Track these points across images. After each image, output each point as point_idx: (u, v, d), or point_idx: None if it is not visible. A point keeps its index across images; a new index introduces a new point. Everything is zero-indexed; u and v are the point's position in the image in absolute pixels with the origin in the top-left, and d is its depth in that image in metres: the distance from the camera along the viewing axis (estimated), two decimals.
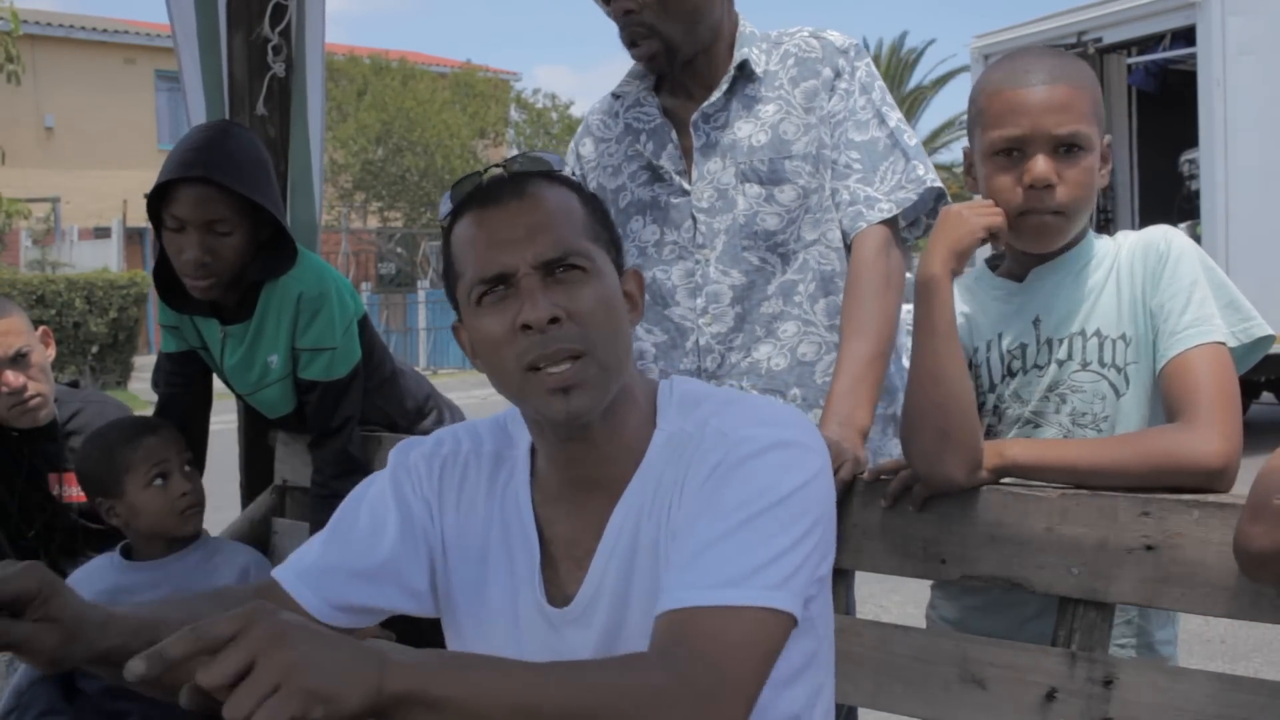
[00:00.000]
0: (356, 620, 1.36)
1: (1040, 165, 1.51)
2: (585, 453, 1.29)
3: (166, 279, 2.21)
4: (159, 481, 2.15)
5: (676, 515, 1.24)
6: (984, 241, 1.54)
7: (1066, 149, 1.51)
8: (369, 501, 1.39)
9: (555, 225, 1.23)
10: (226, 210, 2.07)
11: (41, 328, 2.58)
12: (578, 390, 1.21)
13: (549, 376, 1.20)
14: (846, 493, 1.63)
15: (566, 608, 1.30)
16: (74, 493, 2.52)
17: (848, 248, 2.01)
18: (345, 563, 1.34)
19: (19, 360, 2.45)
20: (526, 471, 1.36)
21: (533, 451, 1.37)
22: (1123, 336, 1.55)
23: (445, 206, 1.31)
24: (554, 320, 1.20)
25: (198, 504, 2.18)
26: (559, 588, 1.32)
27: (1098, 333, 1.56)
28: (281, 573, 1.36)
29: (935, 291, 1.52)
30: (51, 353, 2.59)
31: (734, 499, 1.19)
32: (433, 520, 1.37)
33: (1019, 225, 1.55)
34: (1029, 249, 1.61)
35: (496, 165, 1.32)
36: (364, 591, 1.34)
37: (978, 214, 1.53)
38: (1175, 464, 1.43)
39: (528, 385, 1.22)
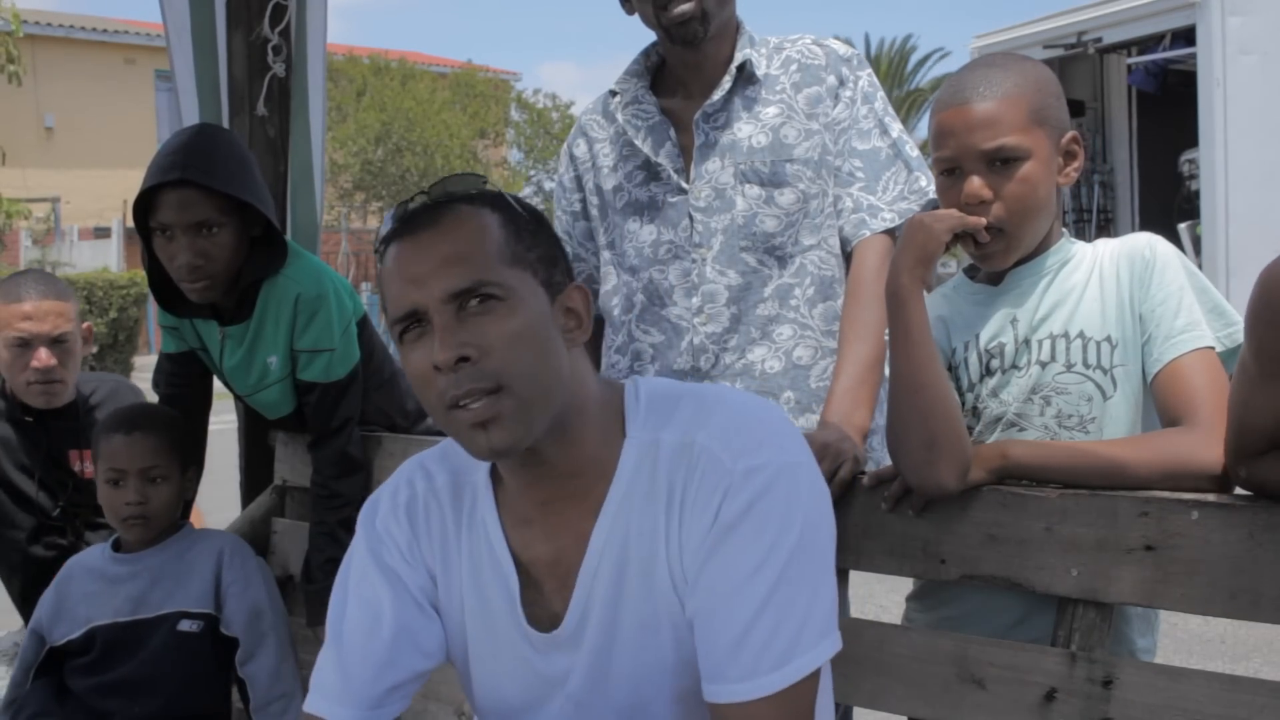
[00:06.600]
0: (399, 701, 1.35)
1: (972, 184, 1.53)
2: (544, 473, 1.27)
3: (163, 284, 2.21)
4: (112, 482, 2.16)
5: (687, 554, 1.22)
6: (949, 247, 1.55)
7: (1002, 162, 1.53)
8: (353, 591, 1.36)
9: (465, 255, 1.19)
10: (211, 210, 2.07)
11: (86, 324, 2.64)
12: (495, 425, 1.18)
13: (465, 413, 1.18)
14: (846, 492, 1.63)
15: (556, 630, 1.29)
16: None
17: (847, 255, 2.01)
18: (360, 668, 1.32)
19: (57, 343, 2.51)
20: (490, 498, 1.33)
21: (494, 474, 1.34)
22: (1108, 339, 1.55)
23: (384, 229, 1.28)
24: (464, 359, 1.17)
25: (140, 517, 2.14)
26: (545, 609, 1.30)
27: (1081, 334, 1.56)
28: (316, 707, 1.34)
29: (906, 300, 1.52)
30: (88, 349, 2.65)
31: (754, 557, 1.18)
32: (423, 572, 1.35)
33: (965, 245, 1.58)
34: (982, 267, 1.64)
35: (424, 192, 1.27)
36: (390, 676, 1.33)
37: (940, 220, 1.54)
38: (1182, 468, 1.44)
39: (451, 423, 1.21)
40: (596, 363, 2.13)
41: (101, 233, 20.56)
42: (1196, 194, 8.13)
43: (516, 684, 1.32)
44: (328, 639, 1.37)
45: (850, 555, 1.64)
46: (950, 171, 1.57)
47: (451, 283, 1.18)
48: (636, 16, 2.01)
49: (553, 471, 1.26)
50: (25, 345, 2.48)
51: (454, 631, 1.36)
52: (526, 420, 1.19)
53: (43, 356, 2.48)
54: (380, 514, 1.37)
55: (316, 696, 1.34)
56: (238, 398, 2.46)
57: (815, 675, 1.20)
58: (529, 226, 1.26)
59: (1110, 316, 1.55)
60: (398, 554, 1.35)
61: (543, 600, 1.30)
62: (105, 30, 22.45)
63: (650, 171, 2.02)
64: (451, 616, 1.35)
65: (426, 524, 1.35)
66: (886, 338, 1.73)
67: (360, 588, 1.35)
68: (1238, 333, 1.51)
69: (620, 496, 1.25)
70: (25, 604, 2.59)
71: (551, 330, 1.23)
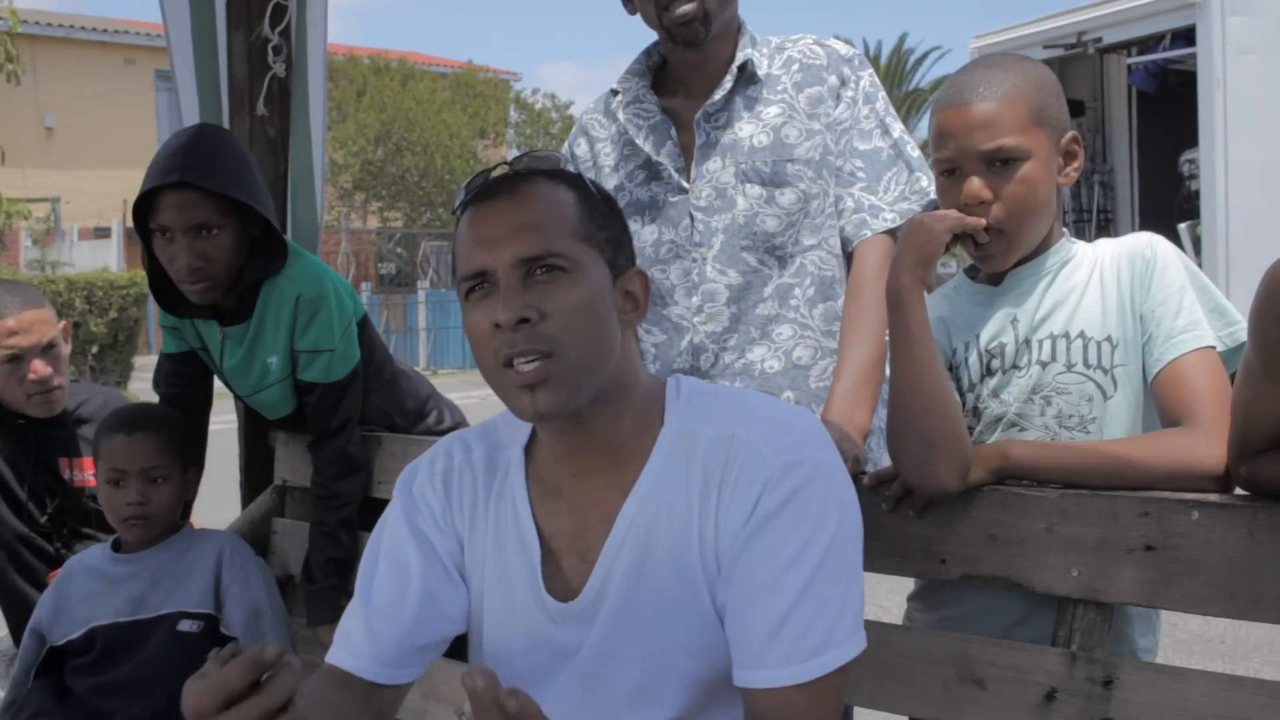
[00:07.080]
0: (419, 665, 1.37)
1: (972, 185, 1.54)
2: (584, 444, 1.30)
3: (163, 284, 2.21)
4: (113, 482, 2.16)
5: (723, 543, 1.25)
6: (949, 248, 1.55)
7: (1001, 163, 1.53)
8: (385, 553, 1.39)
9: (539, 224, 1.24)
10: (210, 212, 2.07)
11: (63, 323, 2.62)
12: (543, 388, 1.22)
13: (516, 374, 1.22)
14: None
15: (572, 602, 1.31)
16: (85, 477, 2.57)
17: (848, 255, 2.01)
18: (387, 628, 1.35)
19: (48, 351, 2.50)
20: (521, 470, 1.37)
21: (527, 451, 1.38)
22: (1109, 339, 1.55)
23: (460, 198, 1.33)
24: (525, 320, 1.22)
25: (140, 517, 2.15)
26: (562, 582, 1.32)
27: (1082, 334, 1.56)
28: (339, 659, 1.36)
29: (906, 301, 1.53)
30: (68, 346, 2.64)
31: (792, 549, 1.22)
32: (454, 540, 1.39)
33: (965, 246, 1.59)
34: (982, 267, 1.64)
35: (505, 163, 1.33)
36: (414, 638, 1.35)
37: (940, 221, 1.54)
38: (1183, 468, 1.44)
39: (502, 380, 1.25)
40: None
41: (101, 233, 20.56)
42: (1196, 194, 8.13)
43: (528, 653, 1.34)
44: (355, 596, 1.40)
45: None
46: (950, 172, 1.57)
47: (522, 249, 1.23)
48: (637, 16, 2.01)
49: (591, 444, 1.30)
50: (17, 360, 2.46)
51: (474, 597, 1.39)
52: (574, 386, 1.23)
53: (38, 368, 2.47)
54: (418, 481, 1.41)
55: (340, 650, 1.36)
56: (238, 398, 2.46)
57: (844, 672, 1.23)
58: (601, 208, 1.31)
59: (1111, 316, 1.55)
60: (431, 520, 1.39)
61: (560, 574, 1.32)
62: (105, 30, 22.44)
63: (651, 171, 2.03)
64: (473, 582, 1.38)
65: (459, 492, 1.39)
66: (887, 338, 1.73)
67: (392, 550, 1.39)
68: (1239, 332, 1.51)
69: (653, 479, 1.29)
70: (9, 611, 2.58)
71: (610, 308, 1.27)
